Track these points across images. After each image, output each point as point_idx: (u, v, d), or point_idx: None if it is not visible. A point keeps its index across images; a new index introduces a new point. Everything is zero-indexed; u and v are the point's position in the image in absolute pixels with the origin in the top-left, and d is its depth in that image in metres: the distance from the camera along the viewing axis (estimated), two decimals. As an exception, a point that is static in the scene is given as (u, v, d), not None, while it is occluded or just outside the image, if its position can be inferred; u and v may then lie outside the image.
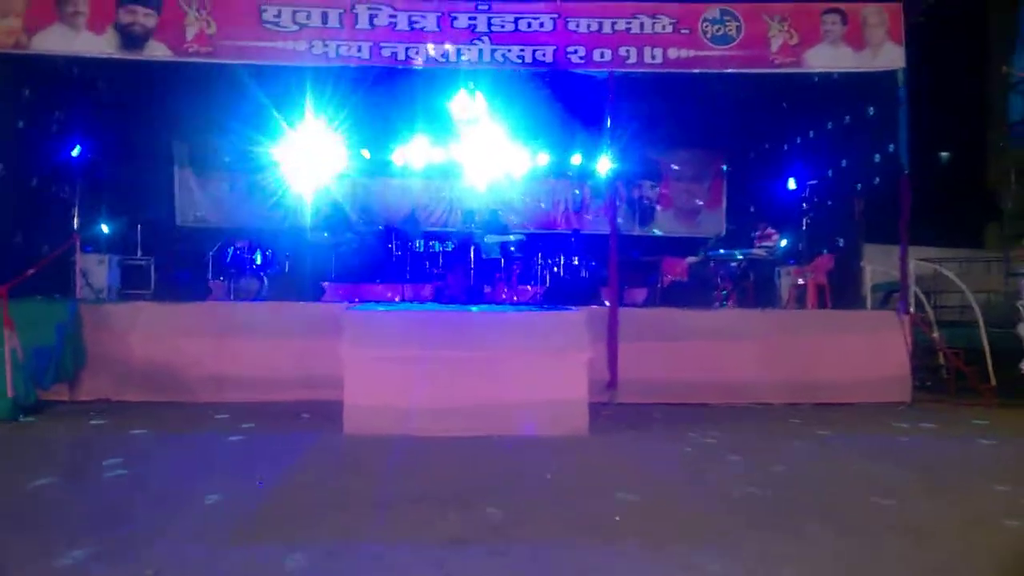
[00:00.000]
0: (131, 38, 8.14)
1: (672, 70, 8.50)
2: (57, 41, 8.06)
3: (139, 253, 11.09)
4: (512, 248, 11.68)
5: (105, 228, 10.84)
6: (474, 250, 11.03)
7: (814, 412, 8.00)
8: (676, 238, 13.52)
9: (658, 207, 13.76)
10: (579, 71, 8.74)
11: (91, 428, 6.62)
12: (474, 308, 6.83)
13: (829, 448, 6.39)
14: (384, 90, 10.09)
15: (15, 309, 6.92)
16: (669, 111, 11.36)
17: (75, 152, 9.47)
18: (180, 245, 12.04)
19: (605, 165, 13.22)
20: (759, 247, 10.41)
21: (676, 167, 13.61)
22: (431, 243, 12.40)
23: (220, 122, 11.99)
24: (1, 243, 8.20)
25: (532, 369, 6.29)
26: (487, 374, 6.25)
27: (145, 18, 8.17)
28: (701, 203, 13.79)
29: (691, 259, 10.83)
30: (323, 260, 12.06)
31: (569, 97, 10.83)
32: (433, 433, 6.11)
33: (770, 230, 10.53)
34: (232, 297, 10.21)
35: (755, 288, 10.42)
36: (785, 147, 12.11)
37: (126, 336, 8.00)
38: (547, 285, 11.22)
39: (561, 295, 8.94)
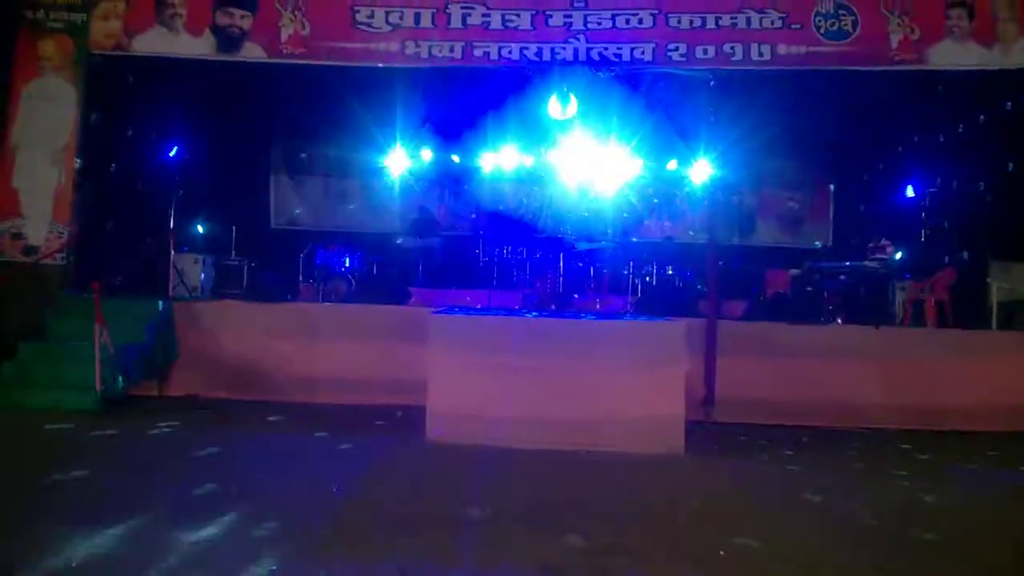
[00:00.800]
0: (228, 40, 8.23)
1: (783, 67, 7.98)
2: (156, 43, 8.23)
3: (233, 254, 11.24)
4: (604, 255, 11.28)
5: (201, 229, 11.03)
6: (564, 257, 10.68)
7: (932, 440, 7.31)
8: (778, 248, 12.79)
9: (758, 216, 13.07)
10: (681, 70, 8.33)
11: (171, 426, 6.61)
12: (565, 316, 6.48)
13: (950, 480, 5.75)
14: (476, 92, 9.90)
15: (108, 306, 7.01)
16: (772, 114, 10.71)
17: (173, 153, 9.64)
18: (273, 247, 12.16)
19: (703, 171, 12.77)
20: (872, 259, 9.67)
21: (777, 175, 12.90)
22: (519, 250, 12.10)
23: (315, 126, 12.08)
24: (99, 241, 8.38)
25: (625, 382, 5.92)
26: (577, 385, 5.91)
27: (242, 20, 8.24)
28: (805, 212, 13.03)
29: (794, 271, 10.18)
30: (411, 264, 11.99)
31: (666, 98, 10.37)
32: (518, 444, 5.81)
33: (885, 241, 9.78)
34: (321, 299, 10.20)
35: (867, 303, 9.67)
36: (902, 153, 11.25)
37: (216, 334, 8.05)
38: (640, 295, 10.75)
39: (656, 305, 8.49)
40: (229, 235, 11.49)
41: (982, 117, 9.04)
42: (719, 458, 6.07)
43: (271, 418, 7.03)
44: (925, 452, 6.72)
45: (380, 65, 8.27)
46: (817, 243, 12.90)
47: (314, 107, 10.84)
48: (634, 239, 12.70)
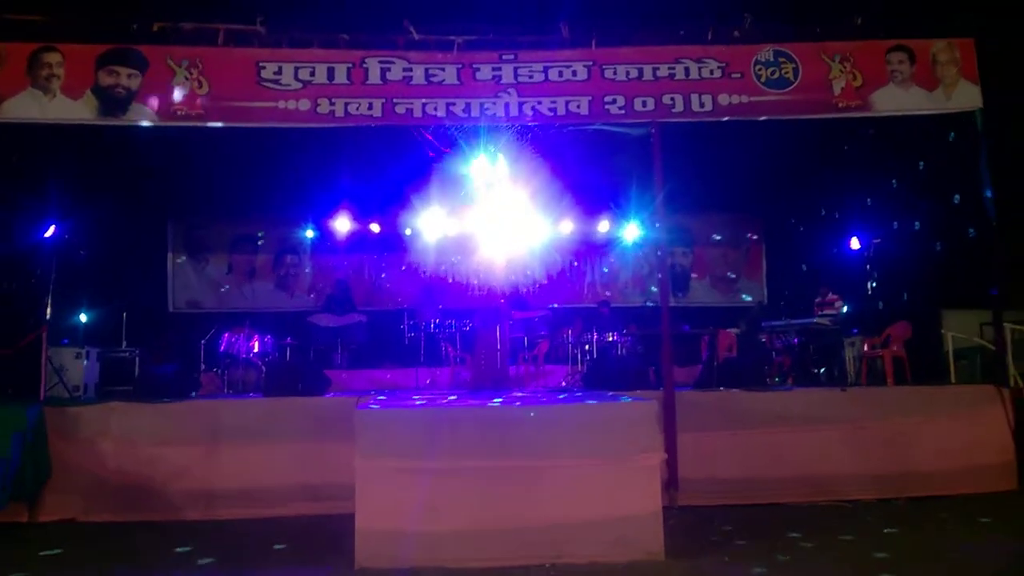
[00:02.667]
0: (112, 101, 7.20)
1: (725, 118, 7.51)
2: (29, 107, 7.12)
3: (123, 344, 9.97)
4: (538, 323, 10.55)
5: (83, 318, 9.74)
6: (498, 327, 9.86)
7: (913, 508, 6.70)
8: (712, 308, 12.38)
9: (693, 275, 12.65)
10: (618, 125, 7.78)
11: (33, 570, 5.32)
12: (513, 402, 5.60)
13: (957, 554, 5.09)
14: (397, 154, 9.14)
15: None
16: (707, 166, 10.40)
17: (49, 233, 8.42)
18: (170, 334, 10.90)
19: (635, 230, 12.29)
20: (821, 315, 9.23)
21: (710, 232, 12.57)
22: (448, 322, 11.24)
23: (216, 198, 11.08)
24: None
25: (591, 478, 5.04)
26: (535, 486, 5.01)
27: (128, 79, 7.24)
28: (738, 270, 12.70)
29: (734, 331, 9.66)
30: (329, 345, 10.96)
31: (600, 154, 9.88)
32: (469, 563, 4.84)
33: (832, 295, 9.39)
34: (227, 390, 9.03)
35: (817, 362, 9.20)
36: (843, 202, 11.03)
37: (97, 443, 6.77)
38: (583, 366, 10.01)
39: (601, 378, 7.73)
40: (119, 322, 10.24)
41: (926, 161, 8.83)
42: (703, 558, 5.22)
43: (155, 547, 5.79)
44: (913, 526, 6.06)
45: (290, 125, 7.37)
46: (751, 303, 12.55)
47: (215, 177, 9.85)
48: (567, 306, 12.05)
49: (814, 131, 8.99)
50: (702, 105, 7.44)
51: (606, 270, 12.54)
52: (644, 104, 7.42)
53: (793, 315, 9.91)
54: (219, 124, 7.36)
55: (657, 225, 8.09)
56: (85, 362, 8.85)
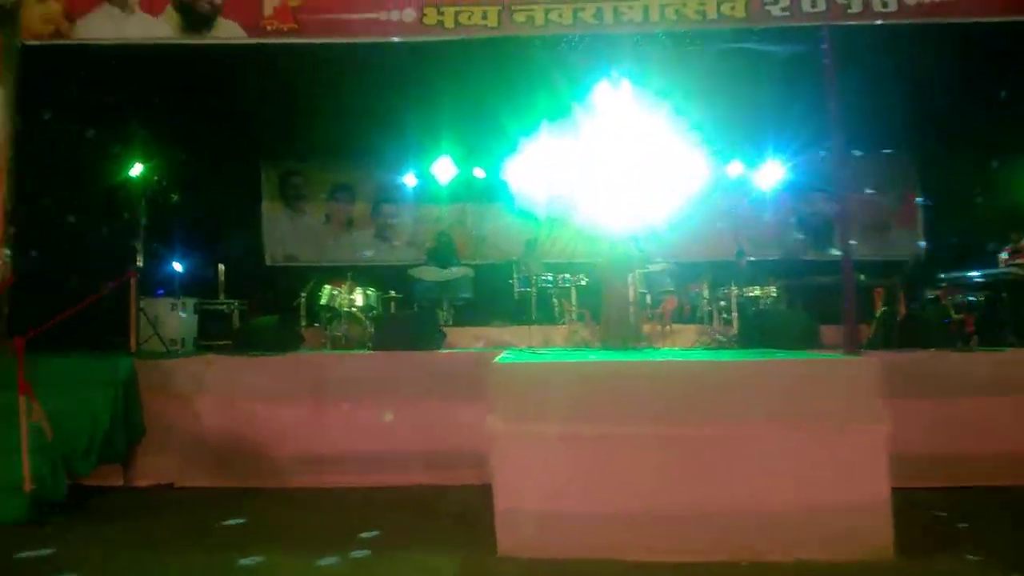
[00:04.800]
0: (196, 17, 6.41)
1: (912, 20, 6.12)
2: (104, 26, 6.41)
3: (221, 296, 9.34)
4: (666, 278, 9.37)
5: (178, 267, 9.14)
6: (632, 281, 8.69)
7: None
8: (860, 262, 10.84)
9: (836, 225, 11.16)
10: (770, 41, 6.52)
11: (128, 541, 4.59)
12: (692, 355, 4.52)
13: None
14: (509, 75, 8.08)
15: (41, 370, 5.08)
16: (853, 99, 8.90)
17: (135, 172, 7.74)
18: (269, 286, 10.27)
19: (774, 173, 10.92)
20: (1013, 264, 7.73)
21: (858, 175, 11.03)
22: (560, 277, 10.15)
23: (312, 141, 10.28)
24: (43, 284, 6.44)
25: (799, 453, 3.93)
26: (725, 461, 3.93)
27: (213, -9, 6.43)
28: (890, 218, 11.14)
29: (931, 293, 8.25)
30: (432, 300, 10.07)
31: (738, 81, 8.59)
32: (640, 556, 3.83)
33: (1024, 243, 7.87)
34: (329, 346, 8.26)
35: (1008, 320, 7.72)
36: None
37: (194, 400, 6.08)
38: (718, 325, 8.79)
39: (760, 336, 6.53)
40: (215, 274, 9.62)
41: None
42: (939, 557, 4.06)
43: (259, 518, 5.00)
44: None
45: (393, 39, 6.40)
46: (906, 255, 11.00)
47: (308, 115, 9.01)
48: (694, 258, 10.80)
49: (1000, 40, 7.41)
50: (885, 5, 6.07)
51: (741, 218, 11.16)
52: (814, 4, 6.11)
53: (966, 266, 8.41)
54: (313, 40, 6.47)
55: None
56: (182, 314, 8.23)
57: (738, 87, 8.81)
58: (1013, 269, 7.58)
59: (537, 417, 3.97)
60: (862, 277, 7.70)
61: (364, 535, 4.41)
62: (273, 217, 11.45)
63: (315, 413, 6.08)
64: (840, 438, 3.89)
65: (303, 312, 9.00)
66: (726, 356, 4.44)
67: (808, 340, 6.46)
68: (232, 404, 6.09)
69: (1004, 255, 8.08)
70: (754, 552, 3.84)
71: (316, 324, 8.76)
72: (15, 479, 4.74)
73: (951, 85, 8.83)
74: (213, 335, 8.51)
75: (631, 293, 7.65)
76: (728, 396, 3.93)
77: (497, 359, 4.28)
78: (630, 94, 8.31)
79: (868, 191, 11.16)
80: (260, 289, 9.86)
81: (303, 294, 9.00)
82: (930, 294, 8.56)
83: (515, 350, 6.09)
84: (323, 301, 8.76)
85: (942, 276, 8.08)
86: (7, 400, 4.92)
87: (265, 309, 9.08)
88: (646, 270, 9.17)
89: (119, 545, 4.41)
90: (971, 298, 8.01)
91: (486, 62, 7.72)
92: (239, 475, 5.91)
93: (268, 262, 11.37)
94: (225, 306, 9.08)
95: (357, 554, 4.19)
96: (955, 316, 8.00)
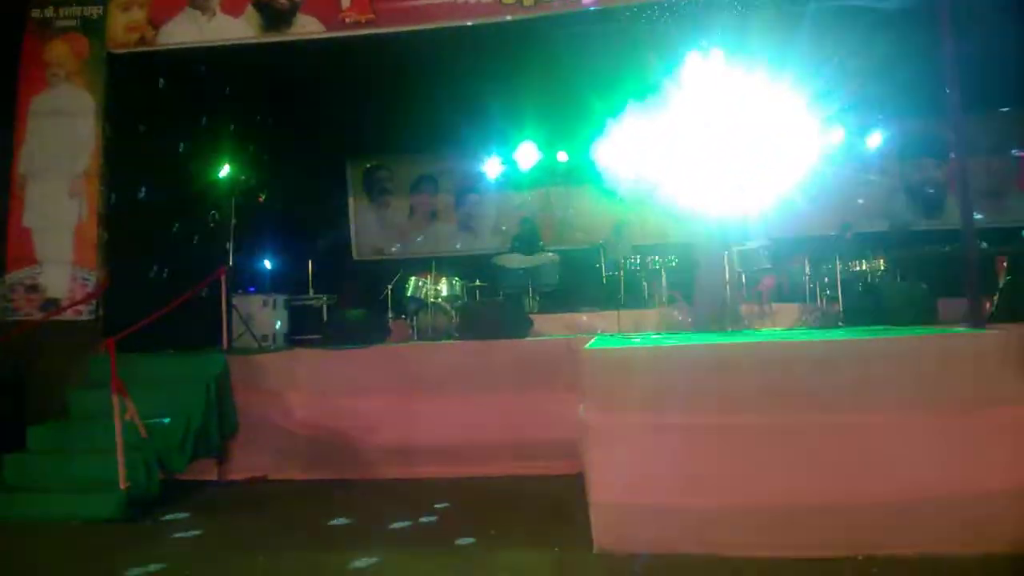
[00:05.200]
0: (275, 14, 6.40)
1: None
2: (187, 30, 6.49)
3: (310, 292, 9.45)
4: (761, 255, 8.87)
5: (268, 264, 9.27)
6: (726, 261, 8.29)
7: None
8: (977, 230, 10.02)
9: (949, 192, 10.37)
10: None
11: (225, 538, 4.60)
12: (799, 335, 4.17)
13: None
14: (589, 58, 7.80)
15: (136, 368, 5.18)
16: (960, 54, 8.17)
17: (224, 172, 7.86)
18: (357, 280, 10.33)
19: (880, 139, 10.22)
20: None
21: (969, 138, 10.16)
22: (649, 259, 9.81)
23: (394, 134, 10.25)
24: (137, 287, 6.59)
25: (926, 438, 3.55)
26: (842, 449, 3.58)
27: (291, -13, 6.39)
28: (1006, 183, 10.25)
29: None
30: (519, 287, 9.89)
31: (836, 41, 8.01)
32: (751, 551, 3.54)
33: None
34: (416, 337, 8.21)
35: None
36: None
37: (285, 395, 6.12)
38: (822, 303, 8.28)
39: (874, 313, 6.03)
40: (304, 270, 9.74)
41: None
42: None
43: (352, 509, 4.93)
44: None
45: (472, 22, 6.23)
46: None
47: (389, 108, 8.96)
48: (791, 233, 10.21)
49: None
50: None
51: (845, 189, 10.44)
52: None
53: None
54: (391, 30, 6.36)
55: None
56: (273, 310, 8.34)
57: (840, 47, 8.24)
58: None
59: (634, 406, 3.72)
60: (985, 245, 7.04)
61: (459, 540, 4.24)
62: (359, 212, 11.53)
63: (404, 404, 6.01)
64: (974, 420, 3.48)
65: (390, 304, 8.99)
66: (839, 334, 4.06)
67: (925, 315, 5.94)
68: (322, 397, 6.09)
69: None
70: (876, 545, 3.48)
71: (403, 316, 8.73)
72: (110, 477, 4.82)
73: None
74: (303, 330, 8.59)
75: (726, 273, 7.29)
76: (844, 379, 3.57)
77: (588, 345, 4.05)
78: (723, 64, 7.92)
79: (982, 154, 10.29)
80: (348, 283, 9.90)
81: (389, 286, 8.99)
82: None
83: (606, 336, 5.83)
84: (409, 292, 8.72)
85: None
86: (101, 400, 5.02)
87: (353, 303, 9.09)
88: (742, 247, 8.74)
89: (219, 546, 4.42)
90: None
91: (567, 40, 7.45)
92: (331, 467, 5.91)
93: (355, 256, 11.46)
94: (314, 301, 9.17)
95: (460, 542, 4.06)
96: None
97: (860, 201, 10.39)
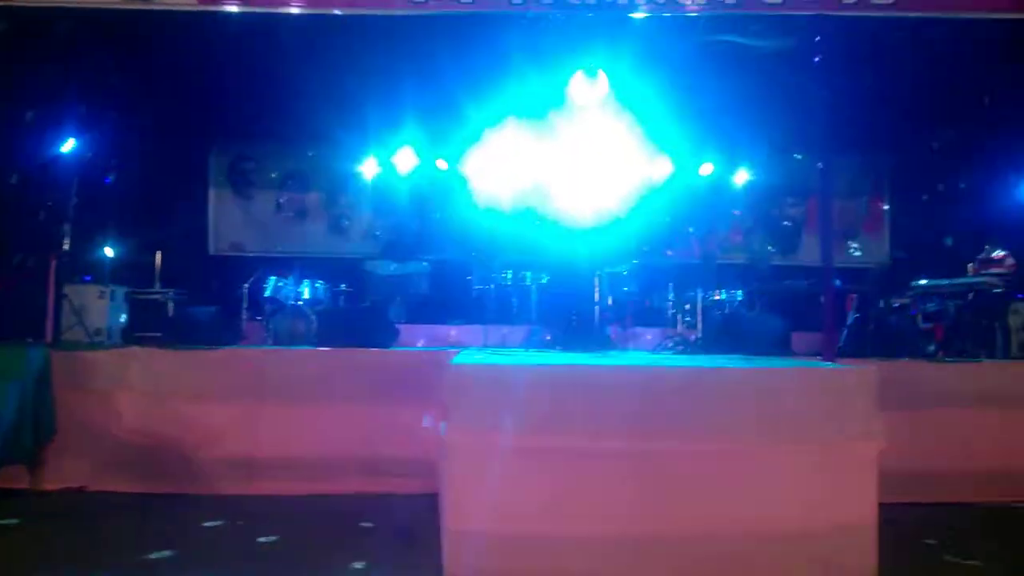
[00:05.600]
0: (141, -23, 5.82)
1: (915, 13, 5.89)
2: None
3: (156, 285, 8.72)
4: (628, 279, 9.02)
5: (110, 252, 8.47)
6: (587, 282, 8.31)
7: None
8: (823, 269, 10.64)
9: (805, 230, 10.94)
10: (758, 36, 6.25)
11: (29, 551, 4.02)
12: (672, 361, 4.12)
13: None
14: (470, 64, 7.65)
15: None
16: (823, 98, 8.69)
17: (67, 147, 7.09)
18: (210, 276, 9.67)
19: (743, 176, 10.65)
20: (986, 274, 7.54)
21: (825, 179, 10.78)
22: (521, 274, 9.74)
23: (266, 124, 9.67)
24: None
25: (783, 471, 3.56)
26: (705, 481, 3.52)
27: (158, -50, 5.84)
28: (856, 226, 10.95)
29: (898, 300, 8.02)
30: (386, 295, 9.57)
31: (709, 76, 8.28)
32: (608, 584, 3.41)
33: (1000, 252, 7.68)
34: (271, 342, 7.72)
35: (975, 331, 7.53)
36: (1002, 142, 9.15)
37: (115, 397, 5.50)
38: (682, 328, 8.47)
39: (731, 341, 6.18)
40: (151, 262, 9.00)
41: None
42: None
43: (175, 528, 4.47)
44: None
45: (348, 12, 5.92)
46: (870, 263, 10.82)
47: (263, 96, 8.43)
48: (656, 259, 10.44)
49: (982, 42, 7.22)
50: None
51: (709, 221, 10.83)
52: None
53: (932, 275, 8.22)
54: (270, 10, 5.95)
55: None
56: (110, 302, 7.58)
57: (712, 82, 8.50)
58: (987, 279, 7.36)
59: (498, 427, 3.51)
60: (838, 283, 7.41)
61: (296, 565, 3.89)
62: (220, 203, 10.79)
63: (252, 413, 5.56)
64: (828, 455, 3.53)
65: (245, 304, 8.44)
66: (709, 363, 4.04)
67: (781, 346, 6.14)
68: (159, 401, 5.54)
69: (974, 265, 7.89)
70: (733, 579, 3.45)
71: (259, 318, 8.21)
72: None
73: (922, 88, 8.62)
74: (145, 326, 7.88)
75: (596, 294, 7.29)
76: (714, 407, 3.53)
77: (454, 360, 3.82)
78: (600, 86, 7.98)
79: (835, 197, 10.94)
80: (201, 278, 9.24)
81: (246, 285, 8.44)
82: (896, 302, 8.34)
83: (472, 350, 5.64)
84: (267, 293, 8.22)
85: (915, 284, 7.85)
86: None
87: (204, 300, 8.47)
88: (609, 271, 8.81)
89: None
90: (938, 307, 7.80)
91: (453, 44, 7.26)
92: (164, 480, 5.37)
93: (211, 250, 10.71)
94: (159, 295, 8.47)
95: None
96: (922, 325, 7.80)
97: (721, 234, 10.78)
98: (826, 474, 3.54)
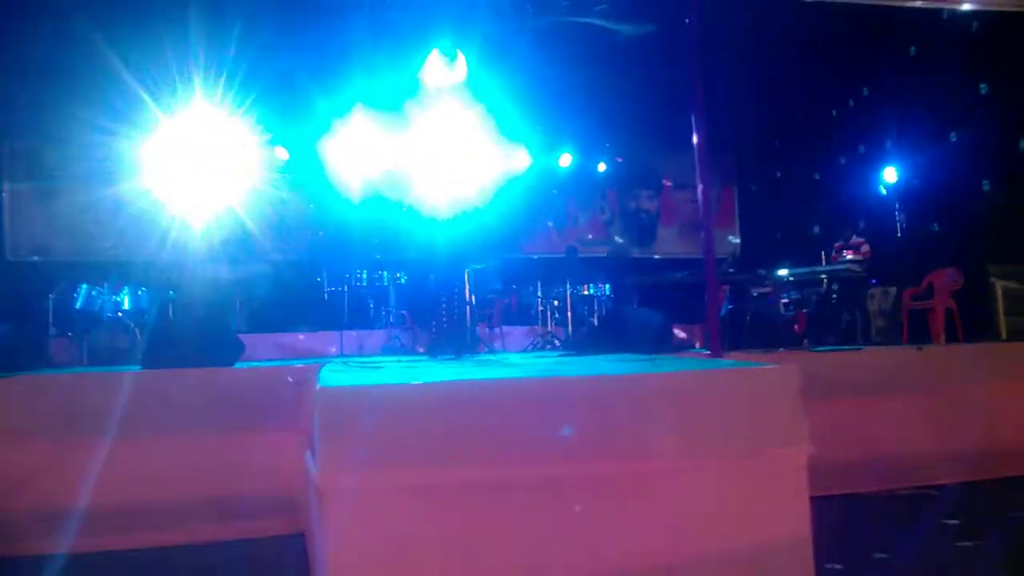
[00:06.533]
0: None
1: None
2: None
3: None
4: (491, 275, 8.57)
5: None
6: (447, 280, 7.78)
7: (1007, 494, 5.32)
8: (682, 260, 10.72)
9: (660, 223, 10.95)
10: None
11: None
12: (569, 370, 3.64)
13: None
14: (318, 39, 6.90)
15: None
16: (673, 93, 8.70)
17: None
18: (7, 287, 8.26)
19: (600, 167, 10.48)
20: (845, 260, 7.73)
21: (678, 173, 10.87)
22: (376, 274, 9.07)
23: (69, 108, 8.33)
24: None
25: (707, 488, 3.17)
26: (623, 505, 3.07)
27: None
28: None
29: (760, 289, 8.05)
30: (221, 302, 8.57)
31: (568, 65, 8.00)
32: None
33: (858, 239, 7.90)
34: (86, 361, 6.59)
35: (837, 318, 7.71)
36: (849, 133, 9.49)
37: None
38: (551, 326, 8.11)
39: (616, 338, 5.85)
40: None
41: (977, 72, 7.31)
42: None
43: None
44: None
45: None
46: (723, 254, 10.99)
47: (61, 64, 7.20)
48: (518, 254, 10.10)
49: (834, 38, 7.38)
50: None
51: (562, 211, 10.61)
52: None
53: (782, 265, 8.38)
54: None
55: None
56: None
57: (571, 70, 8.22)
58: (848, 266, 7.52)
59: (383, 462, 2.88)
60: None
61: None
62: (16, 201, 9.26)
63: (62, 453, 4.52)
64: (754, 466, 3.18)
65: (52, 318, 7.20)
66: (616, 368, 3.60)
67: (664, 341, 5.87)
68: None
69: (834, 252, 8.08)
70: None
71: (68, 334, 7.01)
72: None
73: (773, 74, 8.75)
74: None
75: (466, 293, 6.77)
76: (628, 421, 3.08)
77: (320, 380, 3.12)
78: (457, 68, 7.49)
79: (690, 189, 11.04)
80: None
81: (52, 296, 7.20)
82: (755, 292, 8.43)
83: (335, 365, 4.93)
84: (79, 304, 7.03)
85: (777, 273, 7.91)
86: None
87: (1, 314, 7.13)
88: (473, 267, 8.32)
89: None
90: (800, 296, 7.93)
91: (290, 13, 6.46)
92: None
93: (9, 256, 9.18)
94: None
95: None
96: (785, 314, 7.89)
97: (579, 224, 10.59)
98: (754, 487, 3.20)
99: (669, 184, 10.86)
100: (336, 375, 3.56)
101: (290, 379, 4.53)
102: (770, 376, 3.35)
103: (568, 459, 3.02)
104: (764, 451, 3.25)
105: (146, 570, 4.09)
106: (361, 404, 2.92)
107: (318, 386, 3.04)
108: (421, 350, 7.45)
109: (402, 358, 6.13)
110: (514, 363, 4.78)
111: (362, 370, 4.07)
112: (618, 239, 10.43)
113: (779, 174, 10.22)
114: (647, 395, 3.18)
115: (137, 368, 5.64)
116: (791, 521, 3.24)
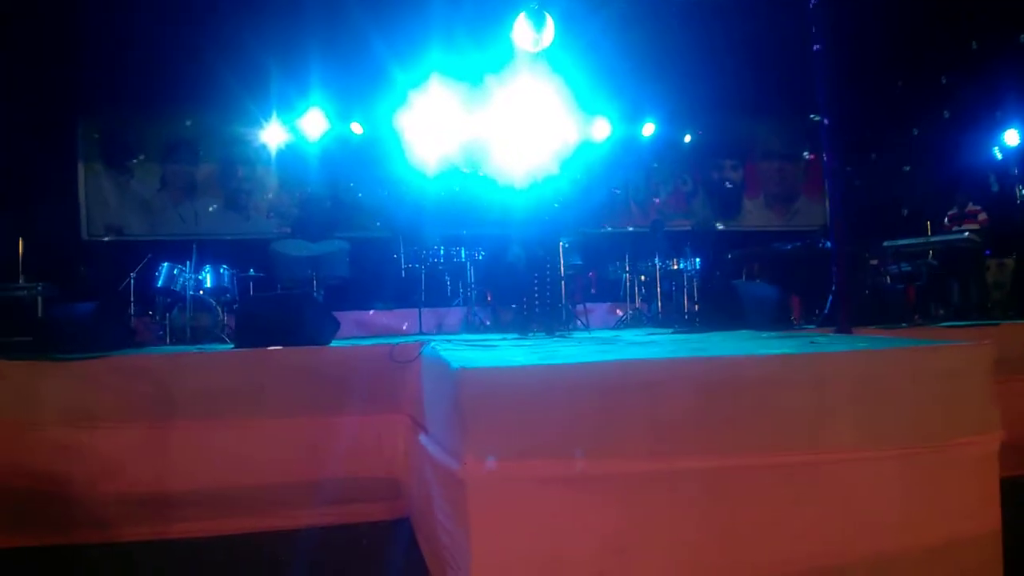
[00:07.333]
0: None
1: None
2: None
3: (20, 279, 7.25)
4: (576, 250, 8.22)
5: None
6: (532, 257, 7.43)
7: None
8: (768, 232, 10.20)
9: (745, 194, 10.43)
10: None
11: None
12: (733, 348, 3.25)
13: None
14: (394, 17, 6.61)
15: None
16: (755, 55, 8.21)
17: None
18: (86, 267, 8.21)
19: (682, 138, 10.01)
20: (962, 229, 7.16)
21: (764, 141, 10.32)
22: (453, 250, 8.74)
23: (144, 85, 8.23)
24: None
25: (889, 480, 2.78)
26: (800, 498, 2.70)
27: None
28: (796, 188, 10.53)
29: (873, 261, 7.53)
30: (300, 280, 8.37)
31: (639, 32, 7.57)
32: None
33: (974, 207, 7.32)
34: (169, 341, 6.45)
35: (952, 292, 7.16)
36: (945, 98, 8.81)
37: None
38: (638, 302, 7.72)
39: (728, 315, 5.42)
40: (14, 253, 7.52)
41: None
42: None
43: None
44: None
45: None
46: (813, 226, 10.43)
47: (138, 44, 7.06)
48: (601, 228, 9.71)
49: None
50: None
51: (641, 184, 10.17)
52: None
53: (887, 236, 7.82)
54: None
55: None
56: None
57: (652, 36, 7.78)
58: (966, 235, 6.94)
59: (537, 451, 2.55)
60: (827, 244, 6.82)
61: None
62: (92, 180, 9.22)
63: (154, 436, 4.34)
64: (938, 455, 2.77)
65: (133, 297, 7.10)
66: (790, 347, 3.20)
67: (784, 317, 5.44)
68: (28, 427, 4.24)
69: (948, 221, 7.52)
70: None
71: (150, 312, 6.89)
72: None
73: (867, 47, 8.19)
74: (8, 330, 6.42)
75: (561, 268, 6.42)
76: (802, 406, 2.70)
77: (455, 363, 2.79)
78: (546, 32, 7.13)
79: (775, 159, 10.50)
80: (75, 269, 7.81)
81: (132, 275, 7.09)
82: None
83: (442, 340, 4.64)
84: (160, 283, 6.90)
85: (885, 244, 7.36)
86: None
87: (81, 295, 7.05)
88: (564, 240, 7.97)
89: None
90: (912, 268, 7.36)
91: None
92: (40, 529, 4.12)
93: (86, 236, 9.17)
94: (25, 291, 6.99)
95: None
96: (895, 287, 7.36)
97: (656, 200, 10.13)
98: (942, 479, 2.80)
99: (754, 154, 10.32)
100: (458, 354, 3.23)
101: (395, 358, 4.23)
102: (964, 355, 2.92)
103: (736, 449, 2.66)
104: (954, 440, 2.84)
105: (242, 557, 3.88)
106: (508, 386, 2.59)
107: (455, 367, 2.71)
108: (490, 326, 7.19)
109: (490, 336, 5.83)
110: (632, 341, 4.41)
111: (477, 349, 3.74)
112: (704, 211, 9.96)
113: (877, 143, 9.58)
114: (825, 377, 2.79)
115: (228, 347, 5.47)
116: (981, 515, 2.85)
